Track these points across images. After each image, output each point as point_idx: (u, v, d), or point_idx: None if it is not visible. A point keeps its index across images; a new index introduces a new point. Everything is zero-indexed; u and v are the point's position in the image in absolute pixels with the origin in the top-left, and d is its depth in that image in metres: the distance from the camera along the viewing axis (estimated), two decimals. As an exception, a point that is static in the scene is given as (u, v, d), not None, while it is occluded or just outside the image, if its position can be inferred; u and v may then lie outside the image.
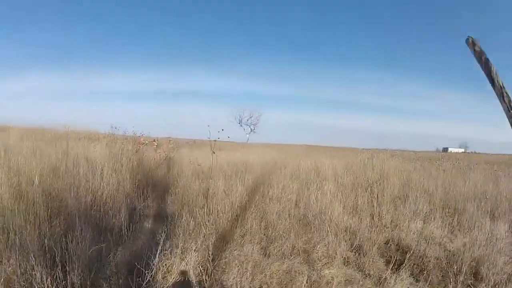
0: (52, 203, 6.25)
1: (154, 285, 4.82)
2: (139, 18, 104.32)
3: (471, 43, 2.52)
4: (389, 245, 7.18)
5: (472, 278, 6.01)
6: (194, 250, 5.58)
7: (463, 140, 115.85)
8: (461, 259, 6.19)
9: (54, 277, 4.29)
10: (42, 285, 4.19)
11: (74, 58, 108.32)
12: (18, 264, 4.35)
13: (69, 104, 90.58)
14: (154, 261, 4.88)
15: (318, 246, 6.58)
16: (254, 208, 7.64)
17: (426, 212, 8.92)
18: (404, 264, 6.06)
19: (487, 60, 2.45)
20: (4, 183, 6.32)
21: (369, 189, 10.32)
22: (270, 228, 6.96)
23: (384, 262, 6.50)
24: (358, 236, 7.05)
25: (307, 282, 5.50)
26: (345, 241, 6.95)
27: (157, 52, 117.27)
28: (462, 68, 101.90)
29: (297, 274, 5.71)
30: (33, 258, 4.34)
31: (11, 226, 5.05)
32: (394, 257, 6.32)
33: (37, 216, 5.52)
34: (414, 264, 6.25)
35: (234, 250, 5.92)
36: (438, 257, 6.58)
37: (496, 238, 7.10)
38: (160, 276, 4.95)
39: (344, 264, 6.31)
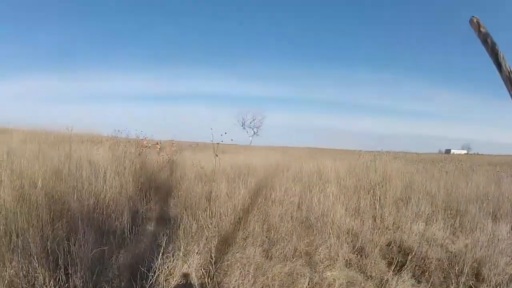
0: (54, 205, 6.27)
1: (157, 287, 4.84)
2: (139, 20, 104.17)
3: (476, 24, 2.34)
4: (391, 247, 7.19)
5: (474, 279, 6.02)
6: (197, 252, 5.60)
7: (466, 142, 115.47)
8: (463, 260, 6.20)
9: (57, 279, 4.31)
10: (45, 288, 4.22)
11: (75, 60, 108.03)
12: (20, 267, 4.37)
13: (70, 106, 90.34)
14: (156, 264, 4.90)
15: (320, 248, 6.59)
16: (256, 211, 7.66)
17: (428, 214, 8.92)
18: (406, 266, 6.08)
19: (493, 42, 2.27)
20: (7, 185, 6.34)
21: (371, 191, 10.31)
22: (272, 231, 6.97)
23: (386, 264, 6.51)
24: (360, 238, 7.06)
25: (309, 284, 5.53)
26: (347, 243, 6.95)
27: (159, 54, 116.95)
28: (464, 68, 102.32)
29: (299, 276, 5.73)
30: (36, 261, 4.37)
31: (13, 229, 5.08)
32: (396, 258, 6.33)
33: (39, 219, 5.54)
34: (416, 265, 6.26)
35: (237, 253, 5.94)
36: (439, 258, 6.59)
37: (498, 239, 7.11)
38: (162, 278, 4.96)
39: (346, 266, 6.32)
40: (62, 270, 4.42)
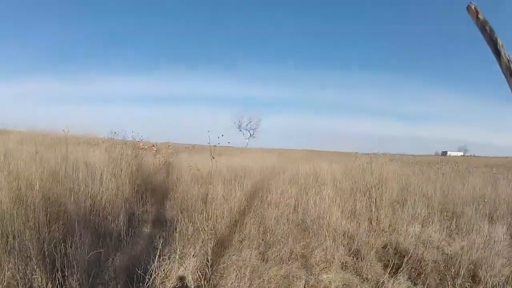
0: (51, 207, 6.27)
1: (153, 290, 4.84)
2: (138, 21, 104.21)
3: (474, 11, 2.24)
4: (387, 249, 7.20)
5: (470, 281, 6.03)
6: (193, 255, 5.60)
7: (462, 144, 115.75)
8: (459, 262, 6.22)
9: (54, 282, 4.31)
10: (42, 290, 4.22)
11: (74, 61, 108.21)
12: (17, 269, 4.37)
13: (69, 107, 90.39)
14: (153, 267, 4.89)
15: (316, 251, 6.60)
16: (252, 213, 7.65)
17: (424, 216, 8.93)
18: (402, 268, 6.10)
19: (492, 30, 2.17)
20: (4, 187, 6.34)
21: (367, 193, 10.32)
22: (268, 233, 6.98)
23: (382, 266, 6.52)
24: (356, 241, 7.07)
25: (305, 287, 5.54)
26: (343, 246, 6.96)
27: (157, 56, 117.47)
28: (461, 70, 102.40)
29: (295, 279, 5.74)
30: (35, 263, 4.37)
31: (10, 231, 5.08)
32: (392, 261, 6.34)
33: (36, 221, 5.54)
34: (412, 267, 6.28)
35: (233, 255, 5.93)
36: (436, 260, 6.61)
37: (494, 241, 7.13)
38: (158, 281, 4.96)
39: (342, 269, 6.33)
40: (59, 272, 4.42)
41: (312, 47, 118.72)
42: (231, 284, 5.16)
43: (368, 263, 6.37)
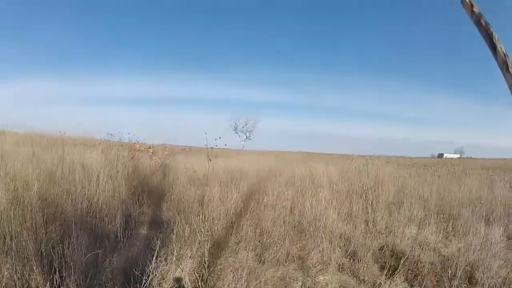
0: (48, 208, 6.26)
1: (150, 291, 4.84)
2: (137, 23, 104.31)
3: (468, 4, 2.17)
4: (383, 251, 7.21)
5: (467, 282, 6.06)
6: (190, 257, 5.60)
7: (459, 146, 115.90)
8: (456, 263, 6.22)
9: (52, 282, 4.30)
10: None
11: (73, 62, 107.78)
12: (14, 269, 4.36)
13: (68, 108, 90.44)
14: (150, 268, 4.88)
15: (313, 253, 6.61)
16: (249, 215, 7.65)
17: (420, 218, 8.95)
18: (398, 270, 6.10)
19: (487, 23, 2.11)
20: (0, 188, 6.34)
21: (363, 195, 10.32)
22: (265, 235, 6.98)
23: (378, 268, 6.53)
24: (352, 243, 7.07)
25: (301, 288, 5.55)
26: (340, 248, 6.97)
27: (155, 58, 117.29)
28: (457, 73, 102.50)
29: (291, 280, 5.75)
30: (34, 263, 4.37)
31: (7, 231, 5.07)
32: (388, 262, 6.34)
33: (33, 222, 5.53)
34: (408, 269, 6.28)
35: (229, 257, 5.93)
36: (432, 262, 6.62)
37: (491, 243, 7.14)
38: (155, 282, 4.95)
39: (339, 270, 6.34)
40: (57, 273, 4.42)
41: (309, 49, 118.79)
42: (228, 285, 5.16)
43: (365, 265, 6.37)
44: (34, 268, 4.33)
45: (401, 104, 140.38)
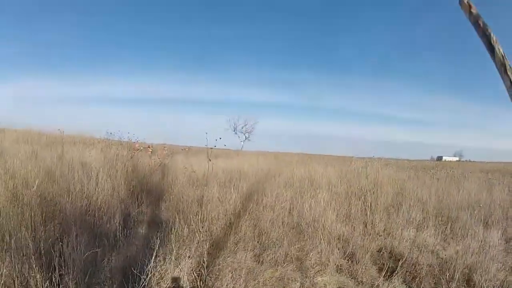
0: (47, 207, 6.25)
1: (149, 291, 4.84)
2: (137, 23, 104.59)
3: (466, 5, 2.14)
4: (382, 253, 7.22)
5: (465, 285, 6.07)
6: (188, 256, 5.60)
7: (458, 149, 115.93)
8: (454, 266, 6.23)
9: (50, 280, 4.30)
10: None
11: (72, 62, 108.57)
12: (13, 267, 4.36)
13: (67, 108, 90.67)
14: (149, 267, 4.88)
15: (311, 254, 6.61)
16: (248, 216, 7.64)
17: (419, 221, 8.95)
18: (396, 272, 6.11)
19: (485, 24, 2.07)
20: (0, 185, 6.34)
21: (362, 197, 10.32)
22: (263, 236, 6.98)
23: (376, 269, 6.54)
24: (351, 244, 7.08)
25: (300, 289, 5.55)
26: (338, 249, 6.98)
27: (154, 58, 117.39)
28: (457, 76, 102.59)
29: (290, 281, 5.76)
30: (31, 261, 4.36)
31: (6, 229, 5.06)
32: (386, 264, 6.38)
33: (32, 220, 5.53)
34: (406, 271, 6.29)
35: (228, 257, 5.93)
36: (430, 264, 6.63)
37: (489, 246, 7.15)
38: (154, 282, 4.95)
39: (337, 272, 6.34)
40: (57, 271, 4.42)
41: (309, 50, 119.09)
42: (227, 285, 5.16)
43: (363, 266, 6.38)
44: (33, 266, 4.33)
45: (401, 105, 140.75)
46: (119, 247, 5.84)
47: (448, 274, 6.04)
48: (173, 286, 5.10)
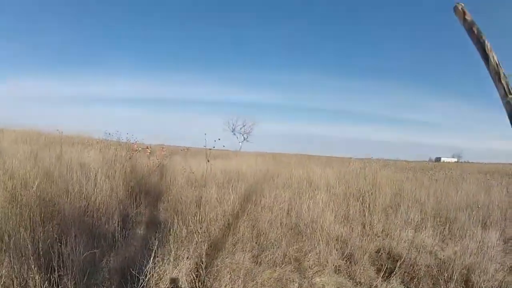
0: (45, 207, 6.25)
1: (147, 291, 4.84)
2: (136, 23, 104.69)
3: (461, 12, 2.12)
4: (380, 253, 7.22)
5: (463, 285, 6.07)
6: (187, 257, 5.60)
7: (457, 150, 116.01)
8: (452, 266, 6.25)
9: (49, 281, 4.30)
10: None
11: (71, 62, 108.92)
12: (12, 267, 4.36)
13: (66, 108, 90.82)
14: (147, 268, 4.88)
15: (310, 255, 6.62)
16: (246, 217, 7.64)
17: (417, 221, 8.95)
18: (395, 272, 6.12)
19: (479, 32, 2.05)
20: (-1, 186, 6.35)
21: (361, 198, 10.34)
22: (261, 237, 6.97)
23: (375, 270, 6.54)
24: (349, 245, 7.08)
25: (298, 290, 5.55)
26: (336, 250, 6.97)
27: (153, 59, 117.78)
28: (456, 77, 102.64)
29: (288, 282, 5.76)
30: (30, 262, 4.36)
31: (5, 229, 5.06)
32: (385, 265, 6.37)
33: (31, 220, 5.53)
34: (405, 272, 6.29)
35: (226, 258, 5.93)
36: (429, 265, 6.64)
37: (488, 246, 7.17)
38: (153, 282, 4.95)
39: (335, 272, 6.34)
40: (56, 272, 4.42)
41: (308, 50, 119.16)
42: (225, 286, 5.17)
43: (361, 267, 6.38)
44: (32, 266, 4.33)
45: (399, 106, 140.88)
46: (118, 248, 5.84)
47: (446, 275, 6.05)
48: (172, 287, 5.10)
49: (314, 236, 7.20)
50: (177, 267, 5.31)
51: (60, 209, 6.24)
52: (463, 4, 2.11)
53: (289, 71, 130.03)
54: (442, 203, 10.85)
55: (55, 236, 5.37)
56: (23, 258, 4.46)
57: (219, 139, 8.42)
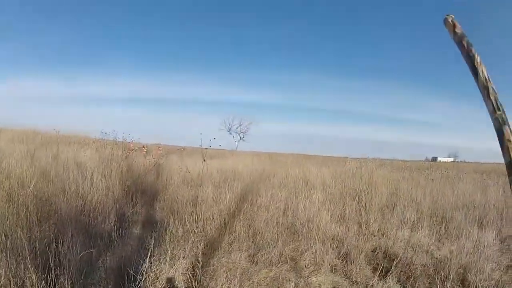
0: (42, 207, 6.24)
1: (144, 291, 4.84)
2: (135, 23, 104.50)
3: (451, 24, 2.03)
4: (376, 253, 7.23)
5: (460, 284, 6.08)
6: (183, 257, 5.60)
7: (453, 150, 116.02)
8: (448, 266, 6.25)
9: (46, 280, 4.30)
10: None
11: (70, 61, 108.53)
12: (9, 267, 4.35)
13: (65, 108, 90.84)
14: (144, 267, 4.88)
15: (306, 254, 6.62)
16: (242, 216, 7.64)
17: (413, 221, 8.98)
18: (391, 271, 6.12)
19: (469, 44, 1.96)
20: (-5, 185, 6.34)
21: (357, 198, 10.35)
22: (258, 236, 6.97)
23: (371, 269, 6.55)
24: (345, 244, 7.08)
25: (294, 289, 5.56)
26: (333, 249, 6.98)
27: (152, 58, 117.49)
28: (452, 77, 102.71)
29: (284, 281, 5.75)
30: (26, 261, 4.36)
31: (2, 229, 5.05)
32: (381, 264, 6.37)
33: (28, 220, 5.52)
34: (401, 271, 6.30)
35: (222, 257, 5.93)
36: (425, 264, 6.65)
37: (484, 246, 7.17)
38: (149, 282, 4.95)
39: (331, 272, 6.34)
40: (52, 271, 4.42)
41: (307, 50, 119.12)
42: (221, 285, 5.16)
43: (358, 266, 6.39)
44: (29, 266, 4.33)
45: (396, 106, 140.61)
46: (114, 247, 5.84)
47: (442, 274, 6.07)
48: (168, 286, 5.10)
49: (310, 236, 7.21)
50: (174, 267, 5.31)
51: (57, 209, 6.23)
52: (453, 16, 2.01)
53: (289, 71, 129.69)
54: (438, 203, 10.87)
55: (52, 235, 5.37)
56: (20, 257, 4.45)
57: (214, 138, 8.44)
